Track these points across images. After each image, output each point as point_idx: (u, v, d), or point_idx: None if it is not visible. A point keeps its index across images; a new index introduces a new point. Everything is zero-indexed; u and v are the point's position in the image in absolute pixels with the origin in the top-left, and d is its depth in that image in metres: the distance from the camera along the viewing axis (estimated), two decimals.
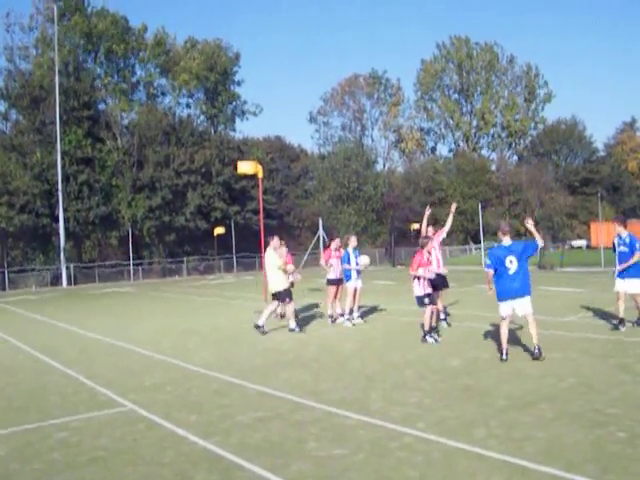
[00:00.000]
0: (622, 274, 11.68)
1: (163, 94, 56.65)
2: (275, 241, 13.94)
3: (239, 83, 60.51)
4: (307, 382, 8.60)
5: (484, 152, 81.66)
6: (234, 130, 61.10)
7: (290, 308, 13.75)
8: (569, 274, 29.12)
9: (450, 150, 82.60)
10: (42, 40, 49.45)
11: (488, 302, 17.99)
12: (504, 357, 9.27)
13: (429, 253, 12.09)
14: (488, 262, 9.51)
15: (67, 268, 42.66)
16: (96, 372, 10.04)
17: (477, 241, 53.46)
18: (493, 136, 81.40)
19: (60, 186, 43.20)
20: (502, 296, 9.46)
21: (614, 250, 12.03)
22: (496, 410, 6.82)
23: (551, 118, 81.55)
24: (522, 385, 7.86)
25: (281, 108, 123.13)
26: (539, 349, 9.21)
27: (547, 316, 13.91)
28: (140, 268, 46.50)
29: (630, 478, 4.81)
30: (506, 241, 9.53)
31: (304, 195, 64.60)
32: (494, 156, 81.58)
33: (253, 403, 7.59)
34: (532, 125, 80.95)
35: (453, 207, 14.83)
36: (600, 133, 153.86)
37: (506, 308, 9.49)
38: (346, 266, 14.39)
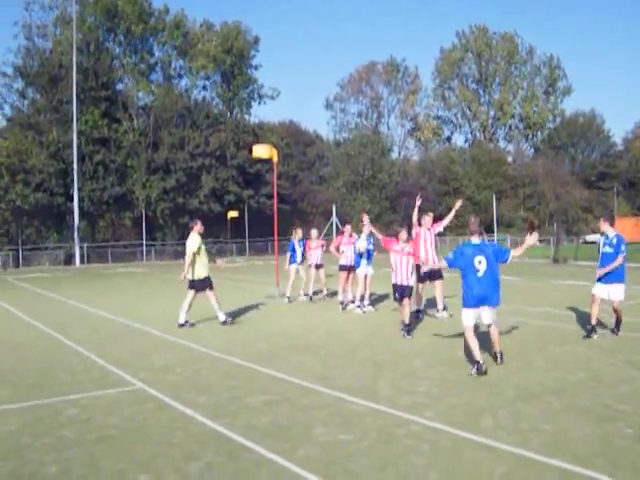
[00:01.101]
0: (604, 278, 10.47)
1: (180, 76, 56.74)
2: (199, 226, 12.95)
3: (256, 67, 60.46)
4: (315, 368, 8.62)
5: (500, 143, 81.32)
6: (250, 114, 61.14)
7: (211, 298, 12.74)
8: (583, 268, 28.96)
9: (466, 140, 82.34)
10: (62, 19, 49.49)
11: None
12: (482, 370, 7.88)
13: (414, 244, 12.06)
14: (450, 257, 8.37)
15: (80, 247, 42.92)
16: (107, 351, 10.11)
17: (490, 232, 53.26)
18: (510, 127, 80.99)
19: (75, 165, 43.38)
20: (468, 302, 8.22)
21: (598, 250, 10.80)
22: (504, 401, 6.81)
23: (569, 111, 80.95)
24: (530, 377, 7.84)
25: (298, 94, 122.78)
26: (501, 355, 8.47)
27: (558, 309, 13.89)
28: (153, 249, 46.72)
29: (638, 475, 4.80)
30: (475, 240, 8.43)
31: (318, 181, 64.55)
32: (510, 147, 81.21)
33: (261, 386, 7.63)
34: (550, 117, 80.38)
35: (458, 204, 13.93)
36: (619, 127, 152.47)
37: (470, 317, 8.27)
38: (360, 247, 14.35)
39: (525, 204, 69.99)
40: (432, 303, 13.80)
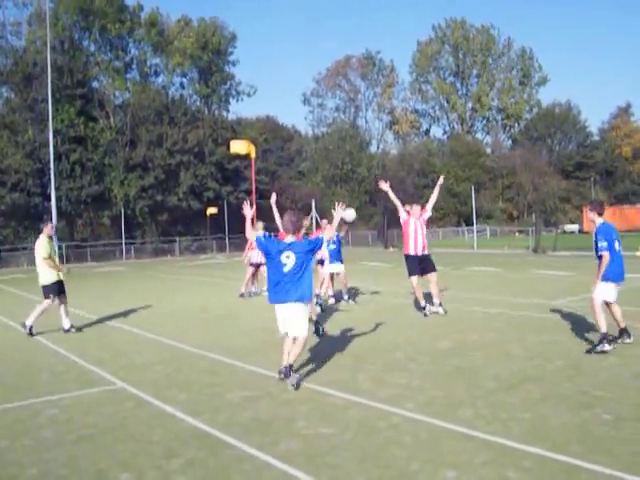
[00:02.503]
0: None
1: (157, 73, 56.32)
2: (48, 228, 12.21)
3: (234, 63, 60.23)
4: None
5: (479, 135, 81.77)
6: (228, 110, 60.91)
7: (45, 306, 11.95)
8: (561, 258, 29.22)
9: (444, 132, 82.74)
10: (36, 16, 48.93)
11: (478, 284, 18.10)
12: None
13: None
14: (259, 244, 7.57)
15: (59, 247, 42.52)
16: (86, 351, 10.05)
17: (470, 224, 53.55)
18: (488, 119, 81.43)
19: (52, 165, 42.82)
20: (272, 298, 7.50)
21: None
22: (484, 391, 6.86)
23: (546, 102, 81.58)
24: (510, 366, 7.90)
25: (275, 89, 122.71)
26: (290, 367, 7.35)
27: (538, 299, 14.00)
28: (132, 247, 46.44)
29: (614, 459, 4.86)
30: (288, 239, 7.49)
31: (297, 176, 64.51)
32: (488, 139, 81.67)
33: (242, 382, 7.62)
34: (527, 108, 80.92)
35: (440, 179, 13.15)
36: (595, 118, 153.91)
37: (279, 319, 7.53)
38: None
39: (504, 195, 70.46)
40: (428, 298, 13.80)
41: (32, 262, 38.80)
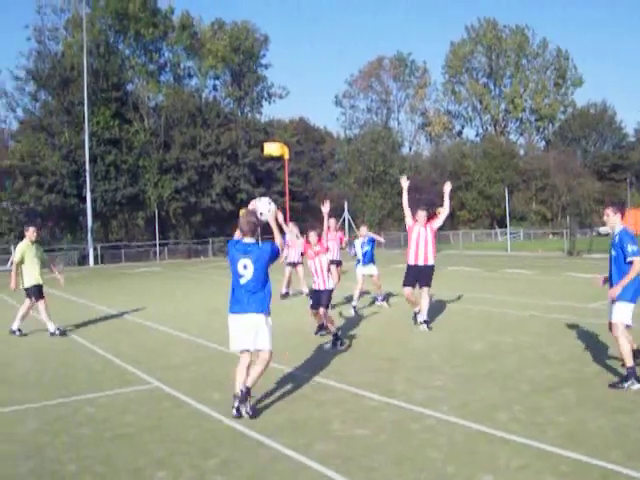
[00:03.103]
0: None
1: (190, 76, 56.79)
2: (30, 232, 12.03)
3: (266, 66, 60.51)
4: (330, 364, 8.64)
5: (512, 136, 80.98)
6: (260, 112, 61.21)
7: (41, 307, 12.10)
8: (596, 260, 28.82)
9: (477, 134, 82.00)
10: (73, 22, 49.68)
11: (512, 287, 17.94)
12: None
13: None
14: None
15: (94, 248, 43.13)
16: (123, 350, 10.18)
17: (503, 226, 53.08)
18: (522, 120, 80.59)
19: (88, 166, 43.55)
20: (230, 308, 6.65)
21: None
22: (519, 394, 6.81)
23: (581, 103, 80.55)
24: (545, 370, 7.84)
25: (307, 91, 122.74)
26: (248, 391, 6.48)
27: (573, 302, 13.84)
28: (166, 248, 46.85)
29: None
30: (247, 239, 6.70)
31: (330, 178, 64.53)
32: (522, 140, 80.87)
33: (277, 383, 7.65)
34: (561, 109, 79.97)
35: (447, 187, 11.86)
36: (631, 118, 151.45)
37: (234, 333, 6.61)
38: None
39: (537, 197, 69.68)
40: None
41: (68, 263, 39.01)
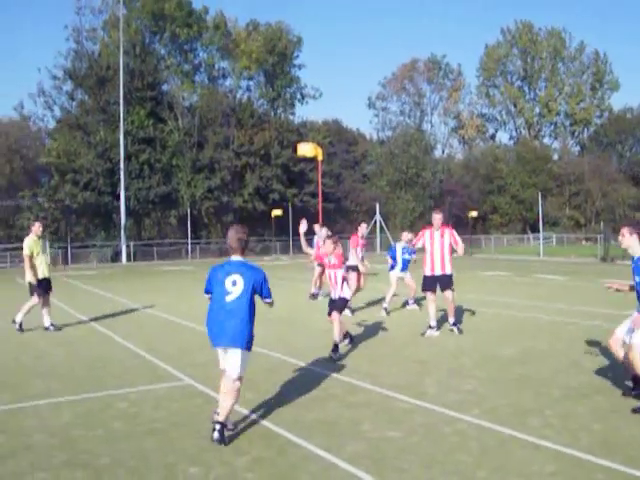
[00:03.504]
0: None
1: (224, 76, 57.16)
2: (36, 227, 12.26)
3: (300, 67, 60.62)
4: (361, 365, 8.64)
5: (546, 140, 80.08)
6: (293, 113, 61.28)
7: (31, 303, 12.18)
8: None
9: (511, 137, 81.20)
10: (110, 22, 50.35)
11: (545, 292, 17.76)
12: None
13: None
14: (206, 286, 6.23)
15: (127, 245, 43.60)
16: (154, 346, 10.28)
17: (536, 230, 52.53)
18: (556, 124, 79.69)
19: (122, 165, 44.05)
20: (210, 335, 6.02)
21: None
22: (551, 400, 6.75)
23: (617, 107, 79.37)
24: (578, 376, 7.75)
25: (340, 92, 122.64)
26: (223, 428, 5.65)
27: (607, 309, 13.66)
28: (198, 247, 47.16)
29: None
30: (235, 257, 6.30)
31: (362, 179, 64.41)
32: (556, 145, 79.94)
33: (307, 383, 7.67)
34: (597, 113, 78.94)
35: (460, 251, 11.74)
36: None
37: (220, 350, 6.09)
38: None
39: (571, 202, 68.83)
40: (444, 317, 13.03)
41: (101, 259, 39.49)
